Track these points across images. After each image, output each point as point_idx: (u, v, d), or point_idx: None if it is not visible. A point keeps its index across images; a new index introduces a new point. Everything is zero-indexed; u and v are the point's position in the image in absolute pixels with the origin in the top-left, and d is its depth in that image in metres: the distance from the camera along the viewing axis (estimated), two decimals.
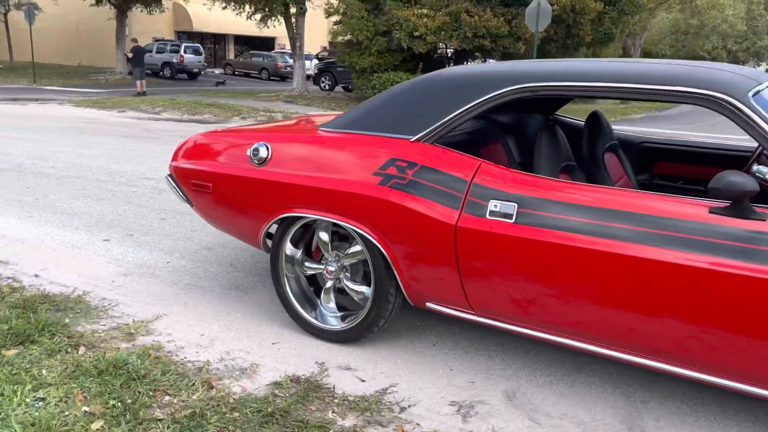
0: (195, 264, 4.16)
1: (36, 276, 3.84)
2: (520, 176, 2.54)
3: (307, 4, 19.38)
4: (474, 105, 2.70)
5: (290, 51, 22.93)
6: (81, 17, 33.46)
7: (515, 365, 2.93)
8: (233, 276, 3.95)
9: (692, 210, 2.21)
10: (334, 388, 2.67)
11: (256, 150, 3.08)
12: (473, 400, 2.62)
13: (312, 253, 3.25)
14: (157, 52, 29.92)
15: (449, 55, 20.22)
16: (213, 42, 38.57)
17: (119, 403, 2.43)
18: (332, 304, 3.17)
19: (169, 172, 3.51)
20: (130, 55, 19.79)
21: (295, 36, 19.70)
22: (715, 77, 2.34)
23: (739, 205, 2.12)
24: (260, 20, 20.37)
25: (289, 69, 29.33)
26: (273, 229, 3.16)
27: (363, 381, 2.75)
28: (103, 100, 17.00)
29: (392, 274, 2.82)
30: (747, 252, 2.08)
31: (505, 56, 17.40)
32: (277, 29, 25.42)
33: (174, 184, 3.48)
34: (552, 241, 2.38)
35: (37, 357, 2.78)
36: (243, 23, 25.02)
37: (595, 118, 3.52)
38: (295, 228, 3.09)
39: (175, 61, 29.35)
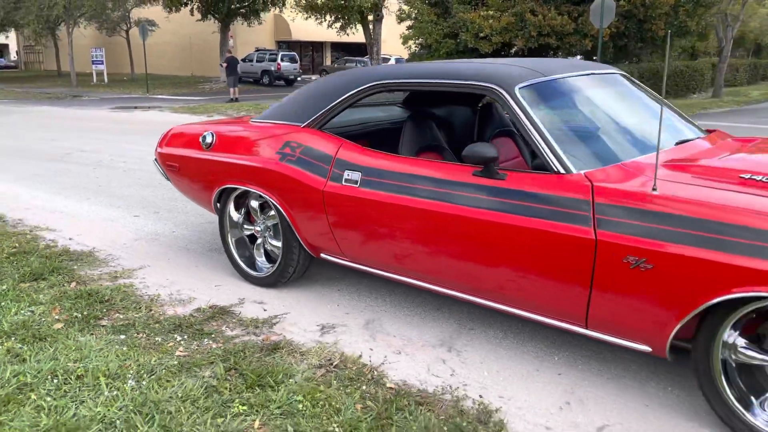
0: (192, 233, 5.18)
1: (70, 239, 5.00)
2: (366, 152, 3.32)
3: (384, 10, 20.38)
4: (345, 98, 3.50)
5: (387, 56, 24.05)
6: (193, 31, 36.36)
7: (388, 304, 3.68)
8: (216, 242, 4.92)
9: (462, 174, 2.91)
10: (239, 313, 3.56)
11: (205, 137, 4.04)
12: (336, 323, 3.42)
13: (250, 217, 4.15)
14: (257, 61, 32.09)
15: (518, 54, 20.51)
16: (311, 49, 40.58)
17: (79, 315, 3.45)
18: (262, 257, 4.05)
19: (154, 156, 4.54)
20: (225, 64, 21.64)
21: (372, 42, 20.77)
22: (495, 72, 3.02)
23: (488, 168, 2.81)
24: (340, 28, 21.62)
25: None
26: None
27: (265, 310, 3.61)
28: (199, 107, 18.79)
29: (293, 231, 3.67)
30: (493, 203, 2.77)
31: (572, 54, 17.56)
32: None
33: (157, 165, 4.51)
34: (379, 199, 3.15)
35: (41, 287, 3.86)
36: (351, 32, 26.37)
37: (486, 109, 4.19)
38: (233, 197, 4.01)
39: (272, 69, 31.34)
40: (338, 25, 21.80)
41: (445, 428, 2.40)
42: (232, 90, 21.05)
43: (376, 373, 2.86)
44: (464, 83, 3.09)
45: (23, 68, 52.69)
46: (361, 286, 3.96)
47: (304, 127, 3.63)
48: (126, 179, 7.49)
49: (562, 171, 2.66)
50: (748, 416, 2.35)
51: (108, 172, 7.92)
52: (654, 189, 2.45)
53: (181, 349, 3.07)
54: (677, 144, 3.15)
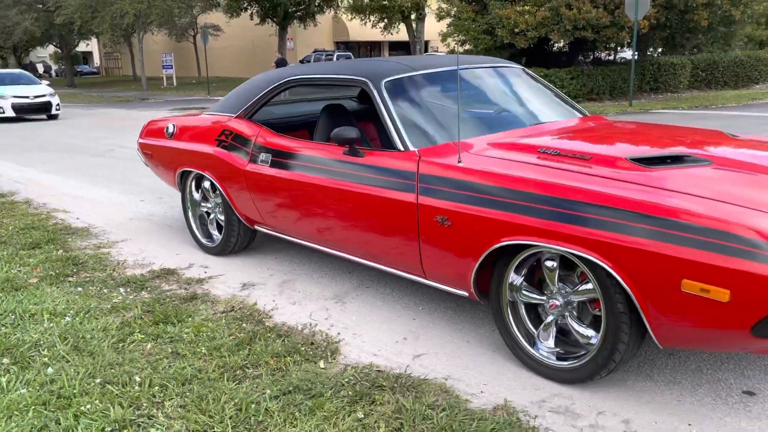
0: (180, 214, 5.95)
1: (77, 218, 5.87)
2: (277, 137, 3.95)
3: (426, 9, 20.88)
4: (267, 92, 4.16)
5: (442, 53, 24.54)
6: (255, 35, 37.88)
7: (308, 267, 4.31)
8: None
9: (337, 153, 3.49)
10: (183, 274, 4.27)
11: (168, 128, 4.78)
12: (257, 282, 4.08)
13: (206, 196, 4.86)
14: (314, 62, 33.16)
15: (560, 49, 20.56)
16: (369, 49, 41.43)
17: (53, 273, 4.24)
18: (215, 231, 4.74)
19: (137, 146, 5.33)
20: (274, 66, 22.71)
21: (416, 40, 21.32)
22: (369, 68, 3.60)
23: (351, 148, 3.39)
24: (383, 28, 22.29)
25: None
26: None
27: (205, 272, 4.31)
28: None
29: (231, 207, 4.34)
30: (356, 177, 3.35)
31: (609, 47, 17.52)
32: (429, 33, 27.02)
33: (138, 153, 5.29)
34: (281, 176, 3.78)
35: (35, 253, 4.70)
36: (394, 31, 27.04)
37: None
38: (190, 179, 4.73)
39: None
40: (382, 24, 22.48)
41: (284, 350, 3.01)
42: None
43: (263, 316, 3.50)
44: (346, 77, 3.68)
45: (104, 74, 56.12)
46: (293, 253, 4.60)
47: (236, 117, 4.30)
48: (147, 170, 8.39)
49: (401, 148, 3.22)
50: (532, 350, 2.85)
51: (136, 165, 8.86)
52: (459, 162, 2.98)
53: (119, 298, 3.80)
54: (532, 125, 3.63)
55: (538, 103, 4.00)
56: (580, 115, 4.03)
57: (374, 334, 3.28)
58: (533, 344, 2.87)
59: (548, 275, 2.76)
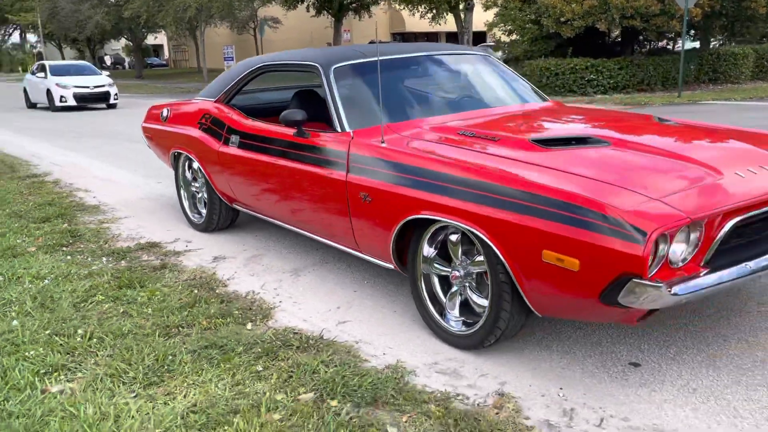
0: None
1: (93, 197, 6.35)
2: (245, 120, 4.23)
3: None
4: (240, 78, 4.44)
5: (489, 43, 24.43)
6: (314, 27, 38.47)
7: (279, 243, 4.58)
8: None
9: (289, 135, 3.73)
10: (165, 247, 4.61)
11: (162, 112, 5.15)
12: (228, 256, 4.38)
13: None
14: None
15: (613, 39, 20.12)
16: (425, 40, 41.38)
17: (51, 243, 4.67)
18: (203, 209, 5.07)
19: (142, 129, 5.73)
20: None
21: (464, 30, 21.30)
22: (322, 55, 3.82)
23: (298, 129, 3.62)
24: (431, 19, 22.33)
25: None
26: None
27: (186, 246, 4.65)
28: None
29: (211, 185, 4.66)
30: (301, 156, 3.59)
31: (660, 35, 17.08)
32: (476, 24, 26.90)
33: (143, 136, 5.69)
34: (247, 156, 4.06)
35: (42, 227, 5.16)
36: (452, 21, 26.95)
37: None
38: (181, 160, 5.08)
39: None
40: (430, 15, 22.54)
41: (219, 313, 3.29)
42: None
43: (218, 284, 3.79)
44: (302, 63, 3.92)
45: (172, 66, 58.21)
46: (272, 231, 4.88)
47: (215, 101, 4.61)
48: None
49: (339, 130, 3.44)
50: (439, 317, 3.03)
51: None
52: (382, 142, 3.17)
53: (99, 265, 4.17)
54: (478, 109, 3.78)
55: (493, 88, 4.13)
56: (538, 101, 4.13)
57: (313, 303, 3.52)
58: (443, 314, 3.04)
59: (452, 249, 2.93)
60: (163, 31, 45.42)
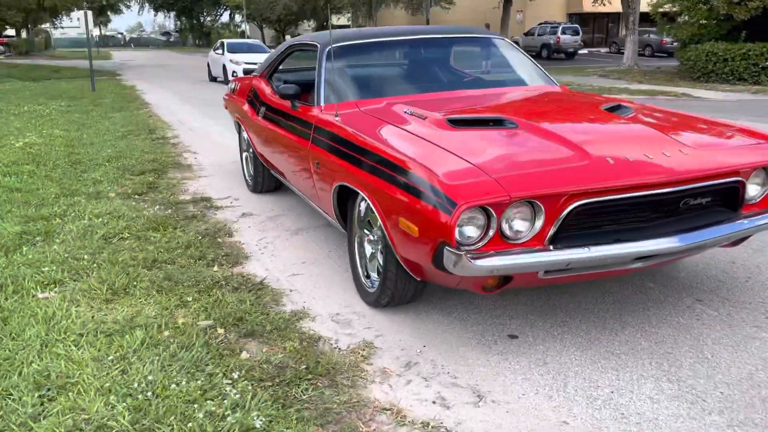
0: None
1: (195, 158, 7.31)
2: (271, 94, 4.78)
3: None
4: (276, 57, 5.00)
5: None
6: (487, 8, 38.22)
7: (298, 208, 5.09)
8: None
9: (286, 105, 4.21)
10: (213, 203, 5.33)
11: (231, 85, 5.88)
12: (255, 214, 4.98)
13: None
14: (538, 35, 32.69)
15: None
16: (606, 21, 39.33)
17: (131, 192, 5.58)
18: (252, 170, 5.70)
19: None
20: None
21: (629, 11, 20.15)
22: (324, 36, 4.22)
23: (291, 103, 4.09)
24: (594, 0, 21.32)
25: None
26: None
27: (231, 204, 5.33)
28: None
29: (254, 149, 5.29)
30: (290, 126, 4.08)
31: None
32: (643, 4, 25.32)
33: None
34: (266, 125, 4.63)
35: (134, 178, 6.12)
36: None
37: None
38: (241, 128, 5.78)
39: (552, 42, 31.63)
40: None
41: (198, 254, 3.88)
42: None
43: (222, 234, 4.40)
44: (310, 43, 4.37)
45: None
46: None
47: (260, 76, 5.21)
48: None
49: (315, 104, 3.85)
50: (362, 276, 3.37)
51: None
52: (336, 116, 3.54)
53: (149, 212, 4.97)
54: (451, 90, 3.99)
55: (489, 71, 4.27)
56: (539, 85, 4.22)
57: (287, 257, 4.00)
58: (366, 273, 3.37)
59: (371, 215, 3.24)
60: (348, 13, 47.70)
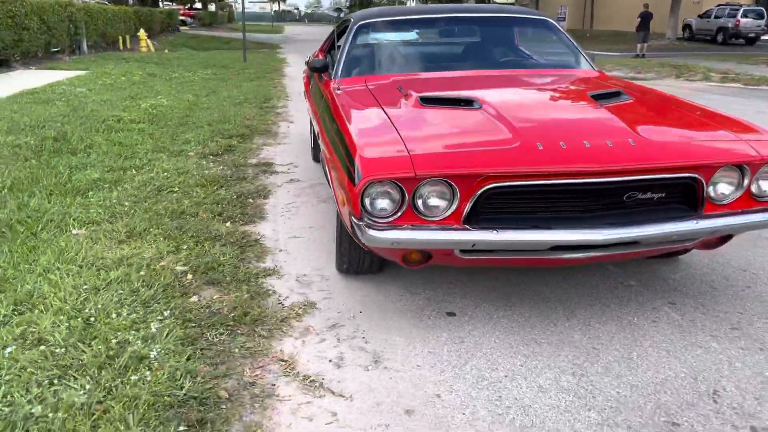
0: None
1: (288, 127, 7.79)
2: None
3: None
4: (329, 35, 5.24)
5: None
6: None
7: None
8: None
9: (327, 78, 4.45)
10: (272, 168, 5.73)
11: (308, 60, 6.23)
12: (297, 180, 5.30)
13: None
14: (715, 17, 29.94)
15: None
16: None
17: (208, 152, 6.14)
18: None
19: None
20: (638, 19, 21.67)
21: None
22: (361, 12, 4.39)
23: (319, 74, 4.33)
24: None
25: None
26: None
27: (288, 169, 5.70)
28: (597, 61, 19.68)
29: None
30: (316, 97, 4.33)
31: None
32: None
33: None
34: (308, 98, 4.92)
35: (219, 140, 6.70)
36: None
37: None
38: None
39: (729, 25, 28.85)
40: None
41: (218, 210, 4.26)
42: (639, 46, 21.16)
43: (258, 197, 4.76)
44: (347, 20, 4.55)
45: None
46: None
47: (319, 51, 5.48)
48: None
49: (333, 77, 4.06)
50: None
51: None
52: (338, 90, 3.73)
53: (210, 171, 5.45)
54: (471, 70, 4.01)
55: (507, 53, 4.23)
56: (572, 69, 4.12)
57: (299, 222, 4.27)
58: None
59: None
60: None
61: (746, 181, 2.70)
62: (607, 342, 2.71)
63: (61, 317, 2.73)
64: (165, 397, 2.18)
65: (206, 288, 3.15)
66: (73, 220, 4.05)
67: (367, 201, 2.52)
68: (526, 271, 3.36)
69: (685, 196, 2.68)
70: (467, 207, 2.53)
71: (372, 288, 3.23)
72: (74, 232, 3.89)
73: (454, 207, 2.54)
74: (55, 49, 16.83)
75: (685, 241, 2.73)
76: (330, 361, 2.57)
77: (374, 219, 2.55)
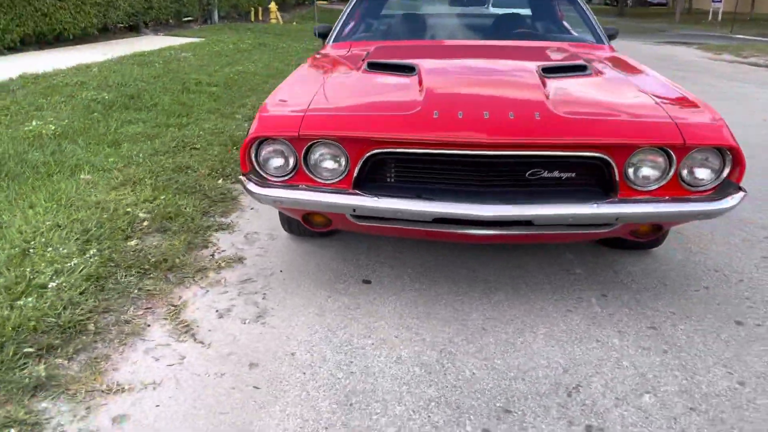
0: None
1: None
2: None
3: None
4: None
5: None
6: None
7: None
8: None
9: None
10: None
11: None
12: None
13: None
14: None
15: None
16: None
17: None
18: None
19: None
20: None
21: None
22: None
23: (322, 40, 4.38)
24: None
25: None
26: None
27: None
28: (728, 46, 17.97)
29: None
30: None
31: None
32: None
33: None
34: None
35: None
36: None
37: None
38: None
39: None
40: None
41: (201, 179, 4.46)
42: None
43: None
44: None
45: (670, 5, 55.18)
46: None
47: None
48: None
49: (326, 42, 4.10)
50: None
51: None
52: (317, 55, 3.78)
53: (244, 133, 5.68)
54: (462, 40, 3.89)
55: (521, 26, 4.04)
56: (579, 42, 3.91)
57: None
58: None
59: None
60: None
61: (673, 168, 2.44)
62: (502, 325, 2.58)
63: (7, 245, 3.02)
64: (33, 323, 2.38)
65: (154, 235, 3.34)
66: (90, 166, 4.41)
67: (253, 155, 2.56)
68: (471, 248, 3.25)
69: (600, 178, 2.47)
70: (356, 171, 2.50)
71: (309, 250, 3.27)
72: (83, 177, 4.25)
73: (346, 171, 2.52)
74: (188, 18, 18.05)
75: (593, 227, 2.51)
76: (216, 311, 2.66)
77: (269, 177, 2.58)
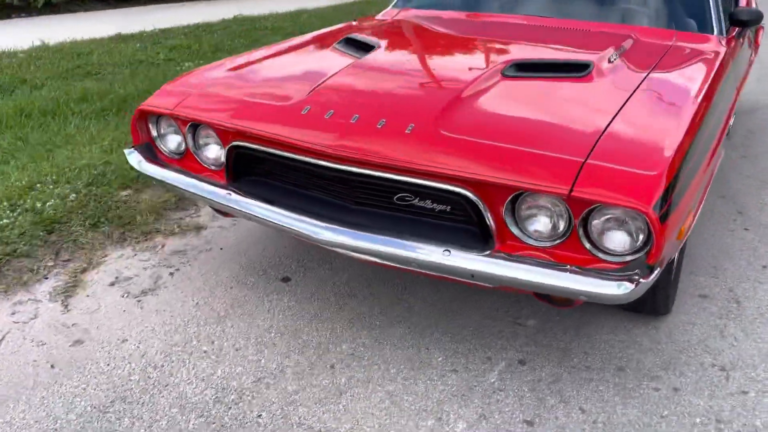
0: None
1: None
2: None
3: None
4: None
5: None
6: None
7: None
8: None
9: None
10: None
11: None
12: None
13: None
14: None
15: None
16: None
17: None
18: None
19: None
20: None
21: None
22: None
23: None
24: None
25: None
26: None
27: None
28: None
29: None
30: None
31: None
32: None
33: None
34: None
35: None
36: None
37: None
38: None
39: None
40: None
41: None
42: None
43: None
44: None
45: None
46: None
47: None
48: None
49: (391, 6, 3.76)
50: None
51: None
52: (354, 22, 3.50)
53: None
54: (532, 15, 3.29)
55: (596, 5, 3.25)
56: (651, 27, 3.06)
57: None
58: None
59: None
60: None
61: (570, 224, 1.78)
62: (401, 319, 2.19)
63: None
64: None
65: (155, 188, 3.41)
66: (120, 111, 4.61)
67: (152, 127, 2.47)
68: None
69: (481, 220, 1.90)
70: (227, 163, 2.29)
71: (262, 235, 3.06)
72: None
73: (222, 160, 2.32)
74: None
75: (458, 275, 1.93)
76: (116, 278, 2.67)
77: (166, 154, 2.49)
